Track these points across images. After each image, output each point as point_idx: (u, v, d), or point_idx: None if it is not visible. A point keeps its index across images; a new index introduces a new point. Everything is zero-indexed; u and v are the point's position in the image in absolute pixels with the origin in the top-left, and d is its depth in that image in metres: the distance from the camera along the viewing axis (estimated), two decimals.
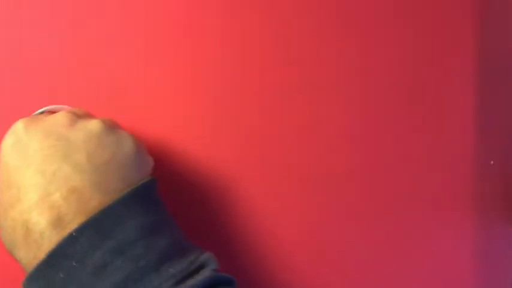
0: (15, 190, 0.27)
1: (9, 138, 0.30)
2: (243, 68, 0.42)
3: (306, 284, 0.43)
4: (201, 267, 0.29)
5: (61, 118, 0.31)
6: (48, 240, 0.26)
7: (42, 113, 0.37)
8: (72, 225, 0.26)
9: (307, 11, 0.41)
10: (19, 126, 0.30)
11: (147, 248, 0.27)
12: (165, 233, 0.29)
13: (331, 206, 0.43)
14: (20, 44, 0.43)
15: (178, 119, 0.43)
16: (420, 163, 0.42)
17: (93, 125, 0.30)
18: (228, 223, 0.43)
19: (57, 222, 0.26)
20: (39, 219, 0.26)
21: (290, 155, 0.42)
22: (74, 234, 0.26)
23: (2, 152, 0.29)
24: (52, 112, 0.36)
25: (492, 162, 0.43)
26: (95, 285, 0.26)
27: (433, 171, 0.42)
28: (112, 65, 0.43)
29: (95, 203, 0.27)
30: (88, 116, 0.34)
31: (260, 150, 0.43)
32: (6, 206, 0.28)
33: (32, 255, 0.27)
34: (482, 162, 0.42)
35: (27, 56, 0.43)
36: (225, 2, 0.42)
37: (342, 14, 0.42)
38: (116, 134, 0.31)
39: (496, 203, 0.43)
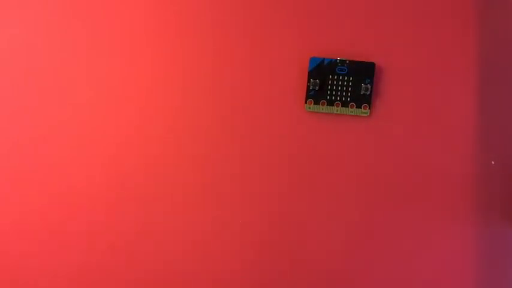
0: None
1: None
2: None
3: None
4: None
5: None
6: None
7: None
8: None
9: None
10: None
11: None
12: None
13: (330, 206, 0.43)
14: (19, 44, 0.43)
15: (175, 119, 0.43)
16: (420, 163, 0.42)
17: None
18: (225, 222, 0.43)
19: None
20: None
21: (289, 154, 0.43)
22: None
23: None
24: None
25: (493, 162, 0.42)
26: None
27: (433, 171, 0.42)
28: (111, 67, 0.43)
29: None
30: None
31: (257, 149, 0.43)
32: None
33: None
34: (482, 162, 0.42)
35: (27, 56, 0.43)
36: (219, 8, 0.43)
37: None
38: None
39: (496, 203, 0.42)
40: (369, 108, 0.42)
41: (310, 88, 0.42)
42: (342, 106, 0.42)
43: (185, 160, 0.43)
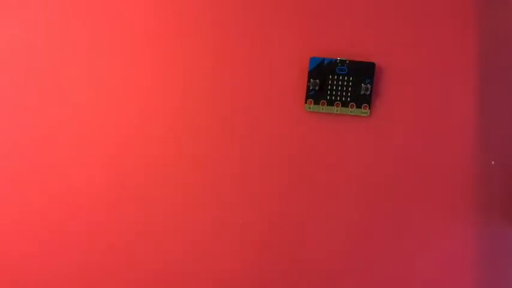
0: None
1: None
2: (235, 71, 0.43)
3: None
4: None
5: None
6: None
7: None
8: None
9: None
10: None
11: None
12: None
13: (330, 206, 0.43)
14: (19, 44, 0.43)
15: (175, 119, 0.43)
16: (420, 163, 0.42)
17: None
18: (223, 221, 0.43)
19: None
20: None
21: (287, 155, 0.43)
22: None
23: None
24: None
25: (493, 162, 0.42)
26: None
27: (433, 171, 0.42)
28: (111, 67, 0.43)
29: None
30: None
31: (257, 149, 0.43)
32: None
33: None
34: (482, 162, 0.42)
35: (27, 56, 0.43)
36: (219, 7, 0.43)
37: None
38: None
39: (496, 203, 0.42)
40: (369, 108, 0.42)
41: (310, 88, 0.42)
42: (342, 106, 0.42)
43: (185, 160, 0.43)
